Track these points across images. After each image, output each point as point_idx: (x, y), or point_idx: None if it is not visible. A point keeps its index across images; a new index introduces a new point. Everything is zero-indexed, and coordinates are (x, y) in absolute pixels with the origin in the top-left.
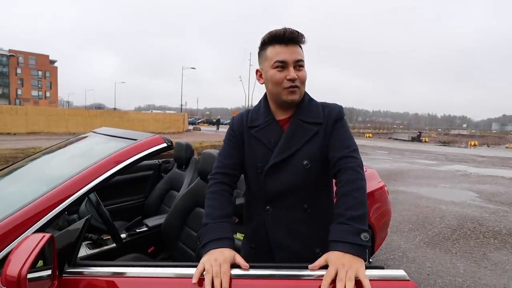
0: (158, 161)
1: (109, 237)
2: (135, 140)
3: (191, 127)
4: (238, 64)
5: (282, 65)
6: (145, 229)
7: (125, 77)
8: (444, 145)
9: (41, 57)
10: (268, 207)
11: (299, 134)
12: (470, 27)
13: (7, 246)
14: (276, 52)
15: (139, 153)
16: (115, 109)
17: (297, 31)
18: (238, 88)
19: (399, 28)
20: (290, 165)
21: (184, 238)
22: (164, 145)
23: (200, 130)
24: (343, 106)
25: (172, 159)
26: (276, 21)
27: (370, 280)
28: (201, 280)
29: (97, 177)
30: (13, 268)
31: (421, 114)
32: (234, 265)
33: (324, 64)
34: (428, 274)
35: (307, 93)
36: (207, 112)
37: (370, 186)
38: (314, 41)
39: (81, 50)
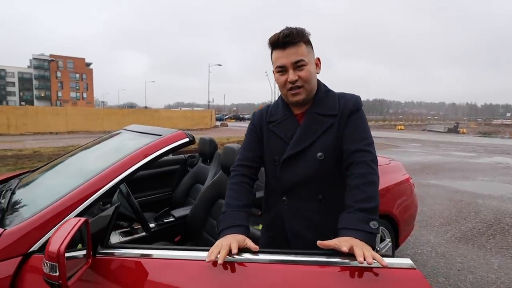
0: (184, 156)
1: (140, 226)
2: (160, 135)
3: (218, 123)
4: (264, 59)
5: (282, 69)
6: (172, 219)
7: (155, 76)
8: (485, 136)
9: (78, 60)
10: (284, 198)
11: (314, 127)
12: (509, 7)
13: (52, 228)
14: (276, 57)
15: (164, 147)
16: (146, 107)
17: (293, 31)
18: (264, 83)
19: (430, 13)
20: (305, 158)
21: (208, 228)
22: (187, 139)
23: (227, 126)
24: (373, 98)
25: (197, 154)
26: (300, 13)
27: (377, 268)
28: (215, 261)
29: (126, 170)
30: (53, 246)
31: (459, 104)
32: (245, 250)
33: (351, 55)
34: (459, 270)
35: (323, 85)
36: (234, 108)
37: (394, 178)
38: (340, 32)
39: (114, 52)
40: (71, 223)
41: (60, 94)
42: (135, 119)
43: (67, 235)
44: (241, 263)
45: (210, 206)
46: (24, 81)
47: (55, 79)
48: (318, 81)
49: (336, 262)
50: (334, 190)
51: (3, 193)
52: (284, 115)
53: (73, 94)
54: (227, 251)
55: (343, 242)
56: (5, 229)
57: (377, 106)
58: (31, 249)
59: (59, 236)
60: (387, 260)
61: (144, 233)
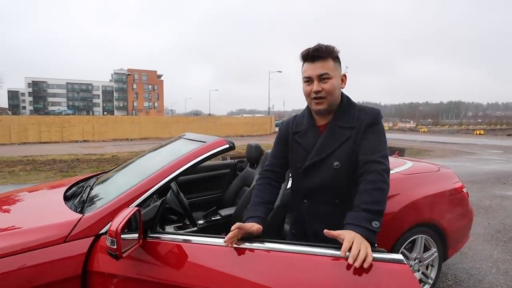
0: (234, 161)
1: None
2: (204, 142)
3: (277, 129)
4: None
5: (309, 80)
6: (219, 217)
7: (218, 85)
8: None
9: (151, 73)
10: (305, 201)
11: (333, 139)
12: None
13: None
14: (305, 69)
15: (206, 152)
16: (209, 114)
17: (322, 47)
18: None
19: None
20: (323, 166)
21: None
22: (227, 146)
23: None
24: (448, 100)
25: (245, 159)
26: (357, 16)
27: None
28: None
29: (174, 171)
30: (113, 226)
31: None
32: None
33: (419, 57)
34: None
35: (346, 98)
36: (294, 114)
37: (442, 186)
38: (406, 32)
39: (182, 63)
40: (127, 211)
41: (135, 104)
42: (199, 126)
43: (123, 219)
44: (251, 249)
45: None
46: (107, 94)
47: (131, 91)
48: (342, 94)
49: (335, 254)
50: (349, 196)
51: (84, 188)
52: (308, 126)
53: (146, 104)
54: (232, 233)
55: (345, 234)
56: (83, 215)
57: (452, 108)
58: (101, 231)
59: (117, 220)
60: (381, 255)
61: (194, 228)
